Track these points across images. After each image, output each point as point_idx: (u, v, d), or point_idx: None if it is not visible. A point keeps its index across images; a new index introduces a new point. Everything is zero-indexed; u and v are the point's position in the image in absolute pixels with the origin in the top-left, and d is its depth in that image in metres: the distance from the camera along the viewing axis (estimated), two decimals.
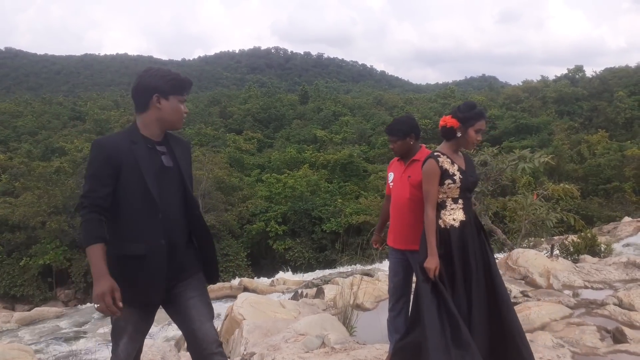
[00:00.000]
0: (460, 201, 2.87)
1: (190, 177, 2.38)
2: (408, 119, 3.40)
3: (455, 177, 2.84)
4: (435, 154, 2.89)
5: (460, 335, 2.65)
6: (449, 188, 2.85)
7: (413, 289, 3.48)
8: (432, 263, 2.74)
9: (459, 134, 2.87)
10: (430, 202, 2.84)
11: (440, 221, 2.85)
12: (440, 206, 2.87)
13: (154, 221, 2.19)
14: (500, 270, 3.27)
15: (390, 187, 3.41)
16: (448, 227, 2.84)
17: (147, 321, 2.38)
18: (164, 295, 2.28)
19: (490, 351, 2.76)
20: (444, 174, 2.83)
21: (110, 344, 2.36)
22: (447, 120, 2.90)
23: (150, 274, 2.20)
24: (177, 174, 2.31)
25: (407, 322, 3.44)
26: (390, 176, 3.41)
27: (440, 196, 2.87)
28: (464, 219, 2.86)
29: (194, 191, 2.46)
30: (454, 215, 2.85)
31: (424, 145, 3.44)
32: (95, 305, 2.04)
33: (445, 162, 2.85)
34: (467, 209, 2.89)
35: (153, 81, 2.24)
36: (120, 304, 2.06)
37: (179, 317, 2.35)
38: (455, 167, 2.86)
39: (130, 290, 2.16)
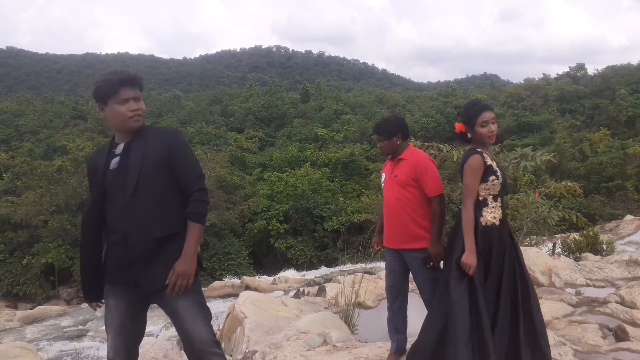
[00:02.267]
0: (499, 199, 2.85)
1: (146, 171, 2.23)
2: (396, 119, 3.40)
3: (498, 174, 2.81)
4: (479, 150, 2.83)
5: (484, 340, 2.62)
6: (493, 185, 2.81)
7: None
8: (472, 260, 2.66)
9: (469, 135, 2.88)
10: (471, 197, 2.77)
11: (481, 219, 2.79)
12: (482, 204, 2.81)
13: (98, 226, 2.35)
14: None
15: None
16: (489, 224, 2.79)
17: (134, 319, 2.36)
18: (93, 295, 2.37)
19: (512, 350, 2.73)
20: (488, 170, 2.79)
21: None
22: (457, 126, 2.94)
23: (90, 272, 2.37)
24: (123, 175, 2.25)
25: (405, 321, 3.44)
26: (383, 177, 3.47)
27: (482, 193, 2.81)
28: (502, 217, 2.84)
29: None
30: (495, 214, 2.81)
31: (411, 144, 3.46)
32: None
33: (488, 158, 2.82)
34: (503, 207, 2.88)
35: (93, 91, 2.31)
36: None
37: (171, 317, 2.34)
38: (495, 163, 2.84)
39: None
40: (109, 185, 2.27)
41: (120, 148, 2.31)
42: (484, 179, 2.79)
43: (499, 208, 2.83)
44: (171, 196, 2.29)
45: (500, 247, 2.79)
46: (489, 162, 2.80)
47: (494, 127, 2.83)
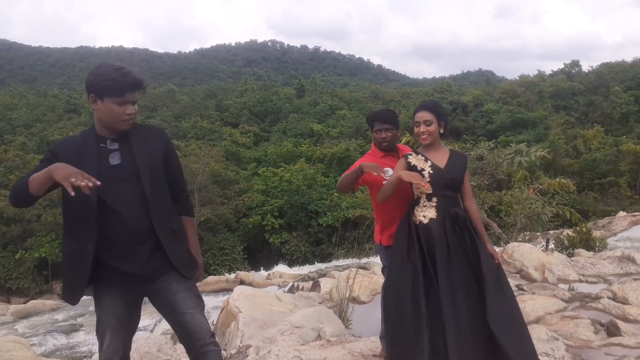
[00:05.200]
0: (434, 198, 2.88)
1: (155, 170, 2.25)
2: (395, 111, 3.45)
3: (424, 173, 2.86)
4: (409, 153, 3.00)
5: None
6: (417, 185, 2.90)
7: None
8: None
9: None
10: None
11: (412, 217, 2.90)
12: (415, 202, 2.93)
13: (87, 224, 2.17)
14: None
15: None
16: (418, 223, 2.87)
17: (131, 315, 2.36)
18: (80, 297, 2.24)
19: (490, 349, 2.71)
20: (413, 171, 2.88)
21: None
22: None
23: (75, 272, 2.22)
24: (130, 171, 2.21)
25: None
26: (390, 172, 3.26)
27: (415, 193, 2.93)
28: (437, 216, 2.85)
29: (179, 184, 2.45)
30: (425, 212, 2.87)
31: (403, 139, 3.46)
32: (72, 180, 1.97)
33: (415, 160, 2.92)
34: (442, 207, 2.87)
35: (90, 79, 2.17)
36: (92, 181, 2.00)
37: (166, 311, 2.32)
38: (428, 163, 2.89)
39: (64, 285, 2.27)
40: (107, 181, 2.14)
41: (113, 144, 2.23)
42: None
43: (433, 207, 2.87)
44: (168, 192, 2.38)
45: (436, 246, 2.80)
46: (414, 162, 2.90)
47: (423, 128, 2.89)
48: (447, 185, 2.89)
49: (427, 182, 2.84)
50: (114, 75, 2.14)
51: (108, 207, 2.17)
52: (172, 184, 2.39)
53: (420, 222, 2.86)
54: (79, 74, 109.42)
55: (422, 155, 2.92)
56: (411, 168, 2.89)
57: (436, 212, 2.86)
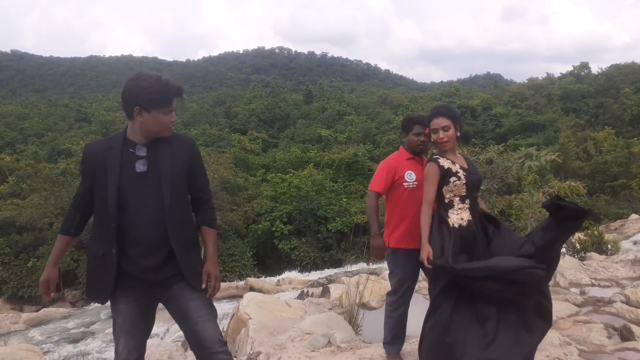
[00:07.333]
0: (467, 200, 2.87)
1: (177, 179, 2.28)
2: None
3: (460, 174, 2.85)
4: (435, 156, 2.93)
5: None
6: (455, 186, 2.85)
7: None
8: (422, 253, 2.77)
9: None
10: (426, 202, 2.88)
11: (449, 221, 2.83)
12: (448, 206, 2.87)
13: (108, 228, 2.22)
14: None
15: (411, 187, 3.26)
16: (456, 226, 2.81)
17: (145, 318, 2.40)
18: (109, 297, 2.32)
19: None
20: (447, 173, 2.85)
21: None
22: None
23: (102, 275, 2.28)
24: (154, 178, 2.23)
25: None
26: (412, 175, 3.27)
27: (447, 196, 2.88)
28: (472, 218, 2.85)
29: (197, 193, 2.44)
30: (462, 215, 2.85)
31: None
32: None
33: (447, 162, 2.89)
34: (474, 208, 2.89)
35: (134, 93, 2.18)
36: (52, 294, 2.33)
37: (179, 318, 2.36)
38: (457, 165, 2.90)
39: (90, 286, 2.34)
40: (131, 187, 2.21)
41: (142, 150, 2.25)
42: (444, 182, 2.86)
43: (467, 210, 2.85)
44: (188, 202, 2.42)
45: (469, 248, 2.79)
46: (447, 165, 2.87)
47: (442, 134, 2.91)
48: (477, 187, 2.95)
49: (463, 184, 2.84)
50: (158, 87, 2.18)
51: (128, 214, 2.21)
52: (196, 194, 2.44)
53: (460, 225, 2.82)
54: (89, 83, 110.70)
55: (448, 159, 2.91)
56: (445, 171, 2.85)
57: (470, 213, 2.86)
